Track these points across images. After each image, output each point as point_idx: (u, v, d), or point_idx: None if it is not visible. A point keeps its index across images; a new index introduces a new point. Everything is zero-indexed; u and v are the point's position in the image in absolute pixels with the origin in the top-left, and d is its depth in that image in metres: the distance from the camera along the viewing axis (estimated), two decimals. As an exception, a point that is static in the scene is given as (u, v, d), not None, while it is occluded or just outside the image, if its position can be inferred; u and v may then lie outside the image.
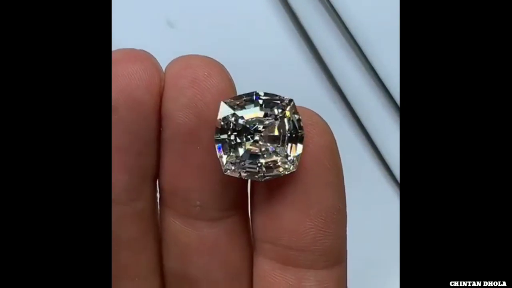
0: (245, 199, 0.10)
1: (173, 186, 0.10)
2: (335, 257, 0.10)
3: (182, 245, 0.10)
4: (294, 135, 0.10)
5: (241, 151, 0.09)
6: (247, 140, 0.09)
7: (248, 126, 0.09)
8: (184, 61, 0.10)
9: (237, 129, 0.09)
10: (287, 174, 0.10)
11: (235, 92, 0.10)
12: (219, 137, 0.09)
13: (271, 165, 0.10)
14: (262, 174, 0.10)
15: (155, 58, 0.10)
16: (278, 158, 0.10)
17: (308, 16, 0.31)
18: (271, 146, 0.10)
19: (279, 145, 0.10)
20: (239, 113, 0.09)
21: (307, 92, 0.32)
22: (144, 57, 0.10)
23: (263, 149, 0.10)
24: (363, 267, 0.30)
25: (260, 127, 0.10)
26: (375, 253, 0.31)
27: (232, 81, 0.10)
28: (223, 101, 0.10)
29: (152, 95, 0.09)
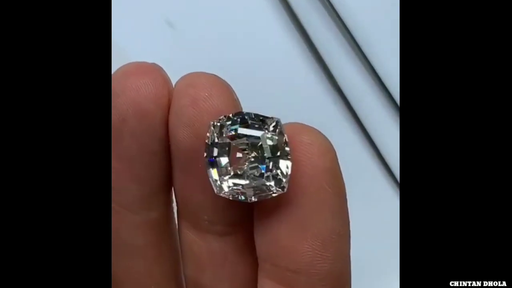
0: (252, 216, 0.10)
1: (183, 199, 0.10)
2: (334, 281, 0.10)
3: (195, 255, 0.10)
4: (281, 156, 0.09)
5: (227, 173, 0.09)
6: (233, 162, 0.09)
7: (233, 147, 0.09)
8: (190, 79, 0.10)
9: (222, 151, 0.09)
10: (276, 196, 0.09)
11: (240, 109, 0.10)
12: (208, 158, 0.09)
13: (258, 187, 0.09)
14: (249, 197, 0.09)
15: (164, 72, 0.10)
16: (265, 179, 0.09)
17: (308, 16, 0.31)
18: (257, 167, 0.09)
19: (265, 166, 0.09)
20: (225, 134, 0.09)
21: (307, 92, 0.32)
22: (154, 70, 0.10)
23: (248, 170, 0.09)
24: (363, 267, 0.30)
25: (246, 149, 0.09)
26: (375, 253, 0.31)
27: (236, 100, 0.10)
28: (212, 122, 0.09)
29: (160, 108, 0.10)
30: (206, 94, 0.09)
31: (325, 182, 0.10)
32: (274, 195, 0.09)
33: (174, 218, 0.11)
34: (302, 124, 0.10)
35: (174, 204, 0.11)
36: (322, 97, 0.32)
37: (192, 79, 0.10)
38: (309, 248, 0.10)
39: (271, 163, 0.09)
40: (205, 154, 0.10)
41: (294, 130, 0.10)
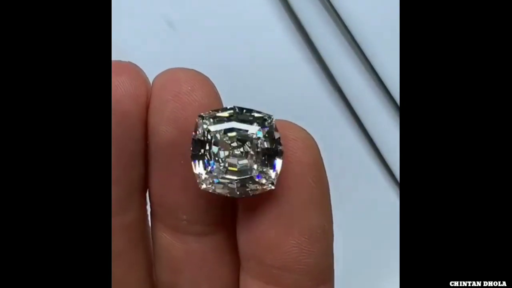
0: (233, 215, 0.10)
1: (160, 200, 0.10)
2: (319, 277, 0.10)
3: (171, 258, 0.10)
4: (272, 152, 0.09)
5: (216, 166, 0.09)
6: (224, 155, 0.09)
7: (224, 141, 0.09)
8: (169, 74, 0.10)
9: (212, 144, 0.09)
10: (265, 192, 0.09)
11: (220, 106, 0.10)
12: (195, 151, 0.09)
13: (247, 182, 0.09)
14: (238, 192, 0.09)
15: (141, 70, 0.10)
16: (255, 175, 0.09)
17: (308, 16, 0.31)
18: (248, 163, 0.09)
19: (256, 162, 0.09)
20: (216, 127, 0.09)
21: (307, 92, 0.32)
22: (130, 69, 0.10)
23: (239, 165, 0.09)
24: (363, 267, 0.30)
25: (237, 143, 0.09)
26: (375, 253, 0.31)
27: (218, 94, 0.10)
28: (200, 115, 0.09)
29: (138, 107, 0.09)
30: (189, 88, 0.09)
31: (310, 178, 0.10)
32: (264, 191, 0.09)
33: (148, 221, 0.11)
34: (286, 120, 0.10)
35: (148, 207, 0.11)
36: (322, 97, 0.32)
37: (171, 74, 0.10)
38: (295, 244, 0.09)
39: (263, 160, 0.09)
40: (191, 149, 0.09)
41: (279, 127, 0.10)
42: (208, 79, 0.10)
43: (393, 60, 0.30)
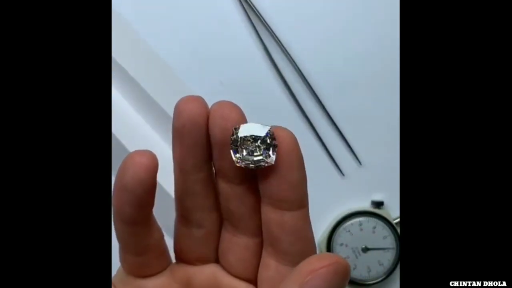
0: (254, 175, 0.19)
1: (218, 166, 0.19)
2: (300, 202, 0.18)
3: (225, 194, 0.19)
4: (271, 145, 0.18)
5: (243, 153, 0.18)
6: (246, 147, 0.18)
7: (246, 140, 0.18)
8: (219, 103, 0.18)
9: (240, 141, 0.18)
10: (268, 166, 0.18)
11: (245, 121, 0.18)
12: (232, 145, 0.18)
13: (258, 160, 0.18)
14: (254, 165, 0.18)
15: (204, 100, 0.18)
16: (263, 157, 0.18)
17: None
18: (259, 150, 0.18)
19: (263, 150, 0.18)
20: (242, 134, 0.18)
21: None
22: (199, 99, 0.18)
23: (254, 152, 0.18)
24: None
25: (253, 141, 0.18)
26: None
27: (244, 115, 0.18)
28: (234, 127, 0.18)
29: (204, 119, 0.18)
30: (228, 112, 0.18)
31: (292, 154, 0.18)
32: (268, 164, 0.18)
33: (213, 176, 0.19)
34: (280, 126, 0.18)
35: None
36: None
37: (220, 103, 0.18)
38: (285, 187, 0.18)
39: (266, 149, 0.18)
40: (230, 143, 0.18)
41: (277, 129, 0.18)
42: (239, 107, 0.18)
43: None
